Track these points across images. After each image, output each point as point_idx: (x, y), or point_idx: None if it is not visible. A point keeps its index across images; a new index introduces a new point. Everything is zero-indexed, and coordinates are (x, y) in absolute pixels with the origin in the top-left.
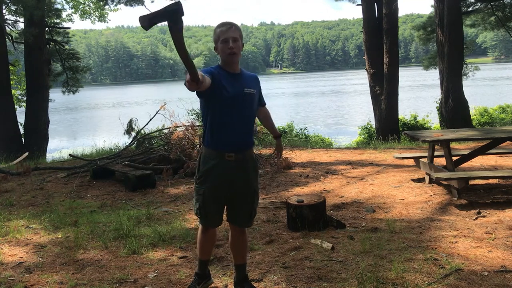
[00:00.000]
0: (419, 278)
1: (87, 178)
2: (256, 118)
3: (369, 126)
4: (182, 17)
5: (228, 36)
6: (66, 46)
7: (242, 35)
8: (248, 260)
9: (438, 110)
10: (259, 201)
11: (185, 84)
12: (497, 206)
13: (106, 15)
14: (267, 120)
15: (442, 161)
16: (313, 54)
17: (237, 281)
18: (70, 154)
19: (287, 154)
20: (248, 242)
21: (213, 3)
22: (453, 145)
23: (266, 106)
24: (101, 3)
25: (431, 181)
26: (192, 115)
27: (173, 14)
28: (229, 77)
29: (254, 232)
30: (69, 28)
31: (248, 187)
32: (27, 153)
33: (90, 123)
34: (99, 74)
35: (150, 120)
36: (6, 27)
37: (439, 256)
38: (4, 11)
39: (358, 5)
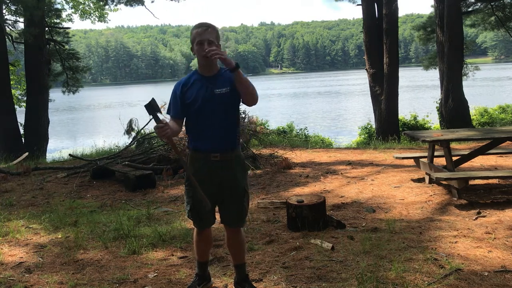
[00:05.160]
0: (419, 278)
1: (87, 178)
2: (258, 118)
3: (369, 126)
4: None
5: (203, 38)
6: (66, 46)
7: (219, 36)
8: (248, 260)
9: (438, 110)
10: (259, 201)
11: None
12: (497, 206)
13: (106, 15)
14: None
15: (442, 161)
16: (313, 54)
17: (238, 281)
18: (70, 154)
19: (287, 154)
20: (247, 242)
21: (213, 3)
22: (453, 145)
23: None
24: (101, 3)
25: (431, 181)
26: None
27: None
28: (200, 81)
29: (254, 232)
30: (69, 28)
31: (237, 187)
32: (27, 153)
33: (90, 123)
34: (99, 74)
35: (150, 120)
36: (6, 27)
37: (439, 256)
38: (4, 11)
39: (358, 5)
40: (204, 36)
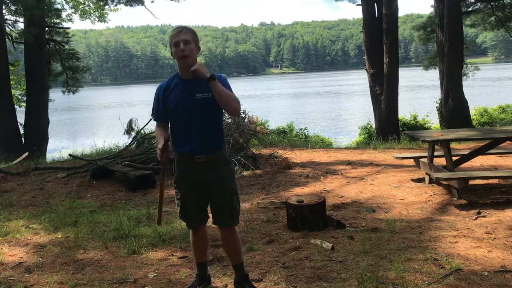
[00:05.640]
0: (419, 278)
1: (87, 178)
2: (258, 118)
3: (369, 126)
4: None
5: (179, 39)
6: (66, 46)
7: (196, 39)
8: (248, 260)
9: (438, 110)
10: (259, 201)
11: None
12: (497, 206)
13: (106, 15)
14: None
15: (442, 161)
16: (313, 54)
17: (237, 281)
18: (70, 154)
19: (287, 154)
20: (247, 242)
21: (213, 3)
22: (453, 145)
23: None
24: (101, 3)
25: (431, 181)
26: None
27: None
28: (181, 85)
29: (254, 232)
30: (69, 28)
31: (224, 187)
32: (27, 153)
33: (89, 123)
34: (99, 74)
35: (150, 120)
36: (6, 27)
37: (439, 256)
38: (4, 11)
39: (358, 5)
40: (179, 37)
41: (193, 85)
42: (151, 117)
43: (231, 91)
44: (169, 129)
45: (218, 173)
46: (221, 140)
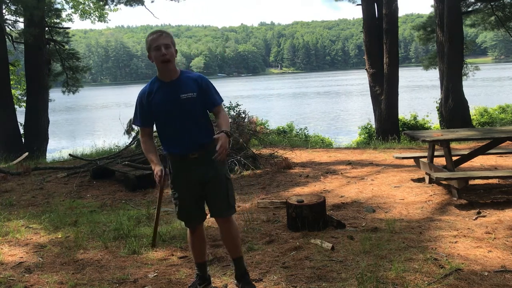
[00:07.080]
0: (419, 278)
1: (87, 178)
2: (258, 118)
3: (369, 126)
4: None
5: (159, 43)
6: (66, 46)
7: (174, 42)
8: (248, 260)
9: (438, 110)
10: (259, 201)
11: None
12: (497, 206)
13: (106, 15)
14: (217, 120)
15: (442, 161)
16: (313, 54)
17: (238, 275)
18: (70, 154)
19: (287, 154)
20: (247, 242)
21: (213, 3)
22: (453, 145)
23: (220, 107)
24: (101, 3)
25: (431, 181)
26: None
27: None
28: (163, 88)
29: (254, 232)
30: (69, 28)
31: (218, 176)
32: (27, 153)
33: (90, 123)
34: (99, 74)
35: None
36: (6, 27)
37: (439, 256)
38: (4, 11)
39: (358, 5)
40: (160, 41)
41: (175, 86)
42: (133, 124)
43: (216, 92)
44: (157, 133)
45: (211, 165)
46: (211, 136)
